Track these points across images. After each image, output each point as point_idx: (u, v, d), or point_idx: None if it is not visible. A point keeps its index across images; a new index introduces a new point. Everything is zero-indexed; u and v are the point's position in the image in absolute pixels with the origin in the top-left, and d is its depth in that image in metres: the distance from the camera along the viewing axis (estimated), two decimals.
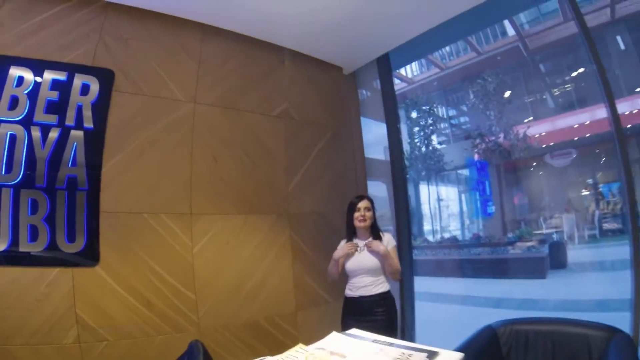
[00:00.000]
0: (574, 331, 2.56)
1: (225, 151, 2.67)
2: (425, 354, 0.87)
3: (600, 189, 13.31)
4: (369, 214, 2.55)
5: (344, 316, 2.61)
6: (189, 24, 2.62)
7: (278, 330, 2.77)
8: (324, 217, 3.16)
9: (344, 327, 2.58)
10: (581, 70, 12.85)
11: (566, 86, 14.09)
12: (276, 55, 3.07)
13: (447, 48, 14.47)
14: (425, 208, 15.33)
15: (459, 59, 14.44)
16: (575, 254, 9.64)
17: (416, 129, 13.60)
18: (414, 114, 13.73)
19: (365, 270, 2.50)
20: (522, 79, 14.14)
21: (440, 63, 14.95)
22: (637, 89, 10.84)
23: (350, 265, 2.55)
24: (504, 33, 13.60)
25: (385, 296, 2.53)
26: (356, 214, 2.55)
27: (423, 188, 15.05)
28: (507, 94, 13.48)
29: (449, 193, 17.04)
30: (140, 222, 2.30)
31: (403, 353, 0.89)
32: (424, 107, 13.67)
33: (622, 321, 2.57)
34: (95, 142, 2.22)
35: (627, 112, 10.37)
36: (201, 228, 2.50)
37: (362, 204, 2.56)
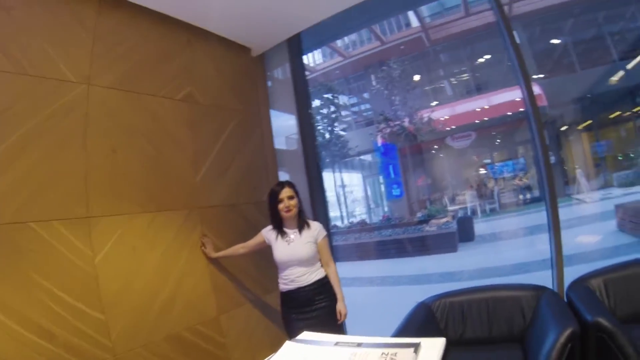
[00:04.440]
0: (505, 295, 2.69)
1: (125, 141, 2.29)
2: (411, 349, 0.72)
3: (497, 167, 14.76)
4: (293, 202, 2.41)
5: (284, 312, 2.47)
6: None
7: (203, 339, 2.48)
8: (236, 208, 2.95)
9: (286, 324, 2.46)
10: (482, 59, 14.11)
11: (463, 76, 15.34)
12: (181, 33, 2.74)
13: (351, 37, 14.85)
14: (330, 195, 15.64)
15: (363, 47, 14.86)
16: (479, 227, 10.50)
17: (319, 117, 13.72)
18: (317, 102, 13.82)
19: (297, 261, 2.37)
20: (424, 68, 15.04)
21: (344, 51, 15.25)
22: (534, 76, 12.26)
23: (281, 256, 2.40)
24: (407, 24, 14.31)
25: (324, 282, 2.42)
26: (280, 205, 2.39)
27: (327, 175, 15.28)
28: (417, 77, 14.25)
29: (353, 179, 17.59)
30: (27, 233, 1.83)
31: (384, 353, 0.73)
32: (325, 95, 13.81)
33: (532, 281, 2.81)
34: None
35: (518, 99, 11.70)
36: (102, 233, 2.10)
37: (285, 193, 2.41)
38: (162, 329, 2.27)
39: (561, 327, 1.96)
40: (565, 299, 2.51)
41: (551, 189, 2.91)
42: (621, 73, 11.35)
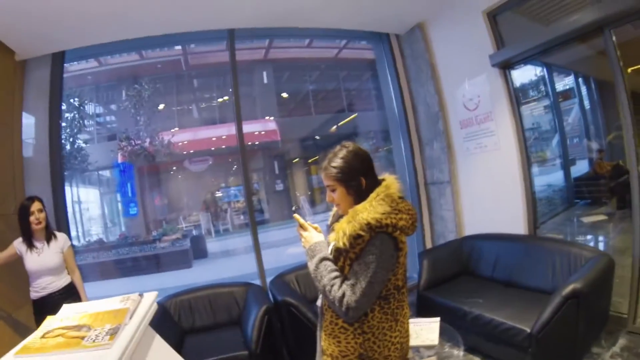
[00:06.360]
0: (221, 291, 3.56)
1: None
2: (137, 293, 1.36)
3: (231, 191, 16.29)
4: (42, 215, 2.63)
5: (38, 319, 2.60)
6: None
7: None
8: None
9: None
10: (227, 97, 15.48)
11: (213, 102, 16.41)
12: None
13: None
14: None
15: (121, 58, 13.94)
16: (213, 245, 11.70)
17: (63, 124, 12.05)
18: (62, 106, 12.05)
19: (47, 270, 2.59)
20: (175, 90, 15.29)
21: (100, 58, 13.91)
22: (267, 117, 14.43)
23: (32, 266, 2.57)
24: (171, 47, 14.24)
25: (71, 287, 2.73)
26: (32, 218, 2.56)
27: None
28: (161, 106, 14.25)
29: (89, 195, 16.10)
30: None
31: (124, 297, 1.34)
32: (72, 100, 12.29)
33: None
34: None
35: (256, 132, 13.63)
36: None
37: (35, 207, 2.60)
38: None
39: (259, 306, 2.95)
40: (268, 291, 3.51)
41: (252, 218, 4.15)
42: (335, 127, 14.90)
